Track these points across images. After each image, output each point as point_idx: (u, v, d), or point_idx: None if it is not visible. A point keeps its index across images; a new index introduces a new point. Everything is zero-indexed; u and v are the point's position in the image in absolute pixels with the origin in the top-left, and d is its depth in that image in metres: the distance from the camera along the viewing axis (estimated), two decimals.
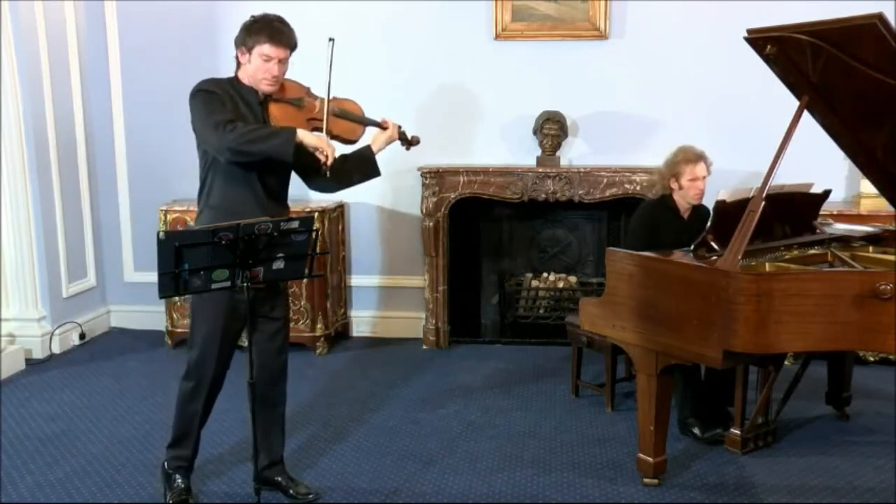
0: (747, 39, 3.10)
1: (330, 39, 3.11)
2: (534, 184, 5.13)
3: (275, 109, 3.11)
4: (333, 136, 3.18)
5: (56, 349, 5.27)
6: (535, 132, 5.20)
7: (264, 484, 3.20)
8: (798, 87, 3.25)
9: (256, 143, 2.91)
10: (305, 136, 2.99)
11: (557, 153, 5.18)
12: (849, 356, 4.13)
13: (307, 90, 3.21)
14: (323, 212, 5.10)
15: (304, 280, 4.94)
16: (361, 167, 3.29)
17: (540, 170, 5.13)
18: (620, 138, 5.26)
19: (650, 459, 3.39)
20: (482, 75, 5.31)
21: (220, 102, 2.99)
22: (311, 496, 3.31)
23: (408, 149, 3.38)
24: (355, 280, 5.65)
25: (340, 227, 5.48)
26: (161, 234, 2.65)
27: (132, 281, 5.78)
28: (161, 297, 2.78)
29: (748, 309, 2.89)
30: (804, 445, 3.81)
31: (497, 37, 5.24)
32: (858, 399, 4.21)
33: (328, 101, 3.13)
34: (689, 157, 3.88)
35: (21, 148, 5.04)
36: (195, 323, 3.18)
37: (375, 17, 5.32)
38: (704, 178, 3.91)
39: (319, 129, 3.13)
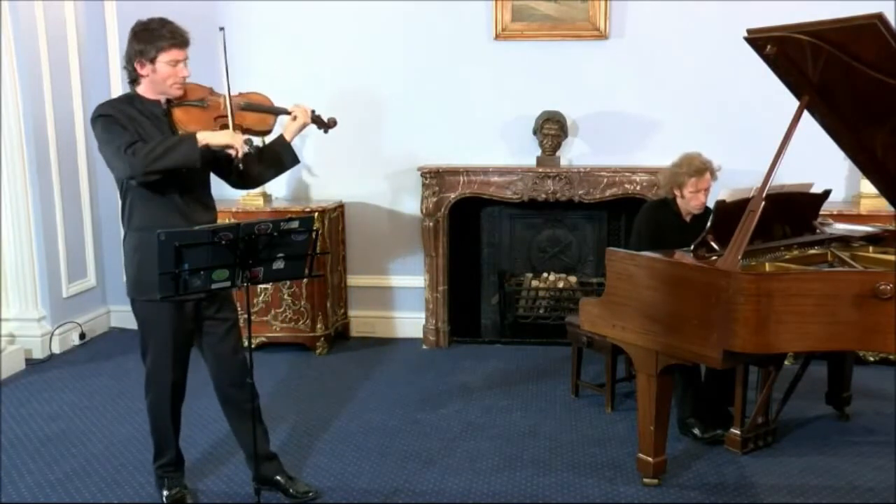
0: (747, 39, 3.10)
1: (221, 29, 3.06)
2: (534, 184, 5.13)
3: (179, 114, 3.02)
4: (245, 130, 3.11)
5: (56, 349, 5.27)
6: (535, 132, 5.20)
7: (264, 483, 3.21)
8: (798, 87, 3.25)
9: (162, 159, 2.85)
10: (209, 136, 2.91)
11: (557, 153, 5.18)
12: (849, 356, 4.12)
13: (209, 90, 3.13)
14: (323, 212, 5.10)
15: (304, 280, 4.95)
16: (278, 158, 3.22)
17: (540, 170, 5.13)
18: (620, 138, 5.26)
19: (650, 459, 3.39)
20: (482, 75, 5.31)
21: (119, 126, 2.91)
22: (310, 495, 3.31)
23: (325, 132, 3.27)
24: (355, 280, 5.65)
25: (340, 227, 5.48)
26: (161, 234, 2.64)
27: None
28: (161, 298, 2.77)
29: (748, 309, 2.89)
30: (804, 445, 3.81)
31: (497, 37, 5.24)
32: (858, 399, 4.21)
33: (229, 95, 3.05)
34: (692, 170, 3.86)
35: (21, 148, 5.04)
36: (145, 335, 3.14)
37: (376, 18, 5.32)
38: (707, 189, 3.90)
39: (227, 126, 3.05)
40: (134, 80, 3.03)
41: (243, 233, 2.73)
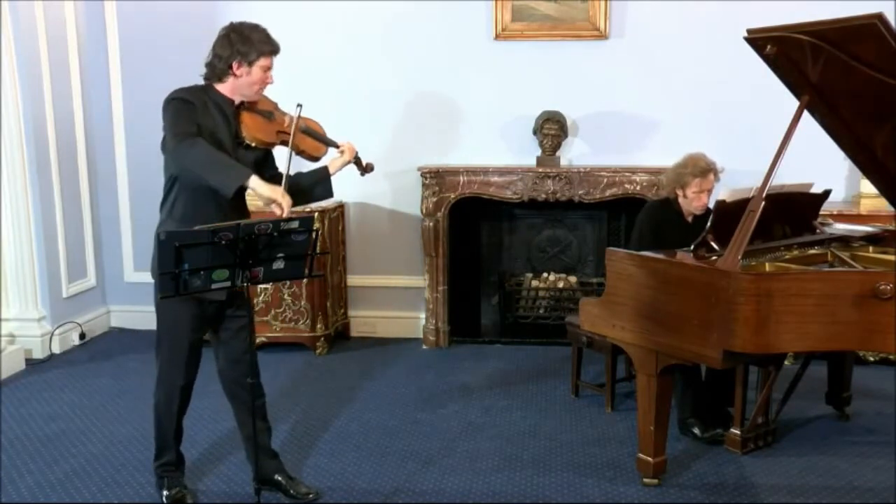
0: (747, 39, 3.10)
1: (298, 105, 3.12)
2: (534, 184, 5.13)
3: (247, 118, 3.11)
4: (299, 152, 3.19)
5: (56, 349, 5.27)
6: (535, 132, 5.20)
7: (264, 483, 3.20)
8: (798, 87, 3.25)
9: (205, 167, 2.87)
10: (260, 186, 2.88)
11: (557, 153, 5.19)
12: (849, 356, 4.12)
13: (276, 105, 3.23)
14: (323, 212, 5.10)
15: (304, 280, 4.95)
16: (316, 187, 3.29)
17: (540, 170, 5.14)
18: (620, 138, 5.26)
19: (650, 459, 3.39)
20: (482, 75, 5.31)
21: (191, 114, 2.96)
22: (311, 496, 3.31)
23: (362, 174, 3.39)
24: (355, 280, 5.66)
25: (340, 227, 5.48)
26: (161, 234, 2.65)
27: (132, 281, 5.78)
28: (161, 298, 2.77)
29: (748, 309, 2.89)
30: (804, 445, 3.81)
31: (497, 37, 5.24)
32: (858, 399, 4.21)
33: (298, 116, 3.13)
34: (697, 170, 3.85)
35: (21, 148, 5.04)
36: (162, 331, 3.16)
37: (376, 17, 5.33)
38: (710, 190, 3.89)
39: (286, 143, 3.11)
40: (218, 77, 3.07)
41: (243, 233, 2.73)
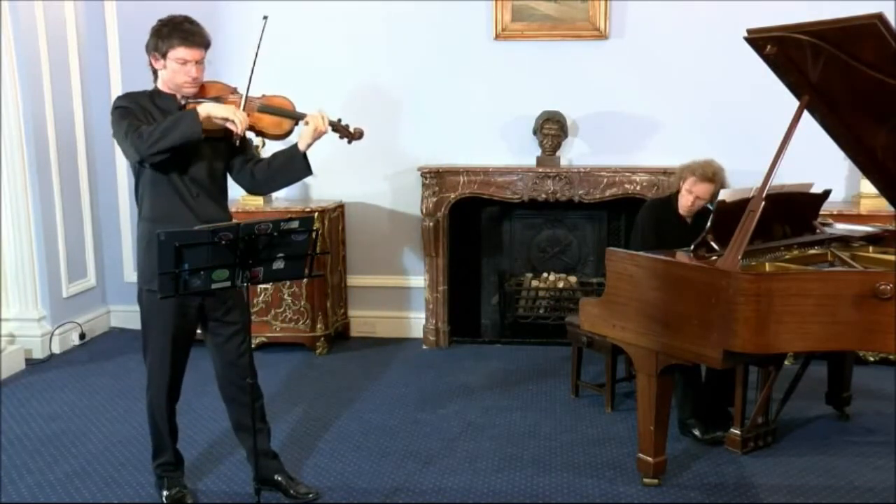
0: (747, 39, 3.10)
1: (264, 17, 3.04)
2: (534, 184, 5.13)
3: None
4: (258, 131, 3.11)
5: (56, 349, 5.27)
6: (535, 132, 5.20)
7: (264, 483, 3.20)
8: (798, 87, 3.25)
9: (166, 137, 2.85)
10: (211, 108, 2.90)
11: (557, 153, 5.18)
12: (849, 356, 4.12)
13: (232, 90, 3.13)
14: (323, 212, 5.10)
15: (304, 280, 4.95)
16: (288, 166, 3.16)
17: (540, 170, 5.13)
18: (620, 138, 5.26)
19: (650, 459, 3.39)
20: (482, 75, 5.31)
21: (132, 116, 2.95)
22: (311, 496, 3.31)
23: (349, 142, 3.19)
24: (355, 280, 5.66)
25: (340, 227, 5.48)
26: (161, 234, 2.65)
27: (132, 281, 5.74)
28: (161, 298, 2.77)
29: (748, 309, 2.89)
30: (804, 445, 3.81)
31: (497, 37, 5.24)
32: (858, 399, 4.21)
33: (247, 96, 3.03)
34: (699, 172, 3.85)
35: (21, 148, 5.04)
36: (146, 331, 3.17)
37: (376, 17, 5.32)
38: (701, 198, 3.87)
39: None
40: (153, 74, 3.09)
41: (243, 233, 2.73)
